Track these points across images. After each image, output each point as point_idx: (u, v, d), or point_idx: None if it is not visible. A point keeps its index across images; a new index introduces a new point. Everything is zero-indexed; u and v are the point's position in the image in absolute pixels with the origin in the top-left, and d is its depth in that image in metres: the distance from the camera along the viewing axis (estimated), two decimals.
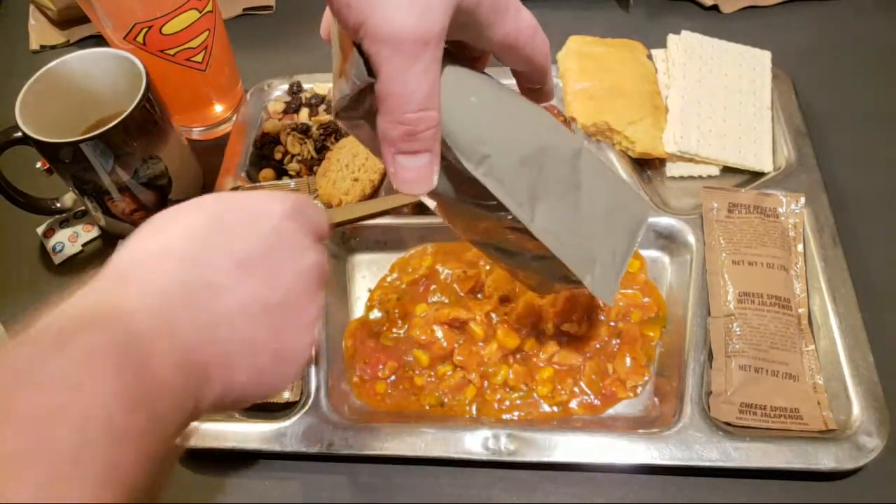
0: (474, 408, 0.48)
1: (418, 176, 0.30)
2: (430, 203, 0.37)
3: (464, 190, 0.34)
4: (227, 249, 0.29)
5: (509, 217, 0.34)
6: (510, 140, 0.33)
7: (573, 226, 0.37)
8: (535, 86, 0.37)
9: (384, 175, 0.59)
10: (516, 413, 0.48)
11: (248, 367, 0.29)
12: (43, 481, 0.20)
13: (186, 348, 0.27)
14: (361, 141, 0.35)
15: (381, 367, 0.50)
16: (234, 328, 0.29)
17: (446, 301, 0.53)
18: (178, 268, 0.28)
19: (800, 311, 0.49)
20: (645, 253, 0.54)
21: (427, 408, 0.49)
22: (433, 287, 0.53)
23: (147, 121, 0.52)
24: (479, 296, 0.53)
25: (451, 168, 0.32)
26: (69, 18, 0.76)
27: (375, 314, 0.53)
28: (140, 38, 0.55)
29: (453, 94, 0.30)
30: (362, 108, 0.31)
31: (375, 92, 0.28)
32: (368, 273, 0.56)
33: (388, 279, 0.55)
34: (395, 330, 0.52)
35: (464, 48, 0.34)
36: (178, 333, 0.27)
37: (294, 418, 0.47)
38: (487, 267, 0.54)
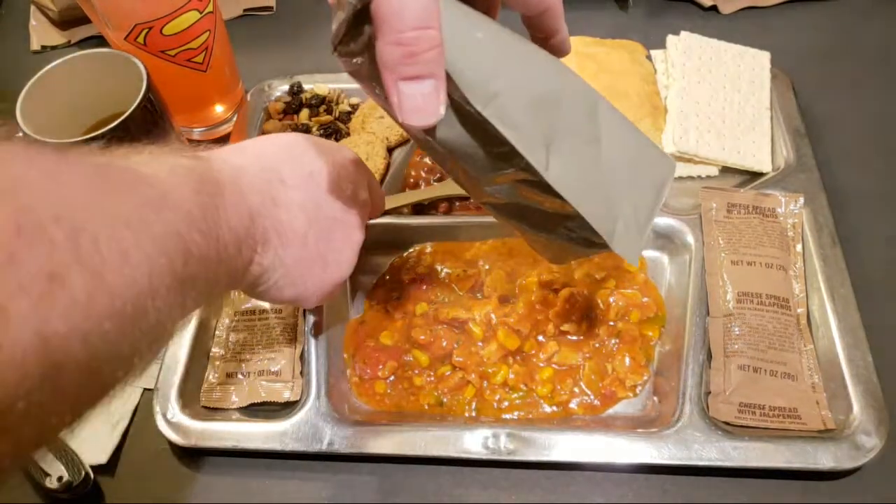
0: (473, 406, 0.49)
1: (424, 104, 0.27)
2: (440, 152, 0.34)
3: (474, 135, 0.31)
4: (302, 161, 0.38)
5: (522, 166, 0.31)
6: (521, 80, 0.30)
7: (592, 179, 0.34)
8: (549, 34, 0.35)
9: (384, 174, 0.60)
10: (516, 413, 0.48)
11: (296, 256, 0.37)
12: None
13: (251, 209, 0.33)
14: (363, 86, 0.31)
15: (380, 367, 0.50)
16: (292, 215, 0.36)
17: (446, 301, 0.53)
18: (257, 162, 0.36)
19: (798, 310, 0.49)
20: (644, 253, 0.54)
21: (426, 407, 0.49)
22: (432, 286, 0.54)
23: (148, 121, 0.52)
24: (478, 295, 0.53)
25: (458, 110, 0.30)
26: (70, 19, 0.76)
27: (375, 313, 0.53)
28: (141, 39, 0.55)
29: (457, 28, 0.28)
30: (361, 39, 0.28)
31: (371, 12, 0.26)
32: (368, 272, 0.56)
33: (388, 278, 0.55)
34: (394, 328, 0.52)
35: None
36: (247, 196, 0.33)
37: (294, 418, 0.47)
38: (487, 267, 0.54)
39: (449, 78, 0.28)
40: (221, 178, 0.32)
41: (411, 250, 0.56)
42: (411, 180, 0.59)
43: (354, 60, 0.30)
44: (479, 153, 0.32)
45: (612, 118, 0.35)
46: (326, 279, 0.40)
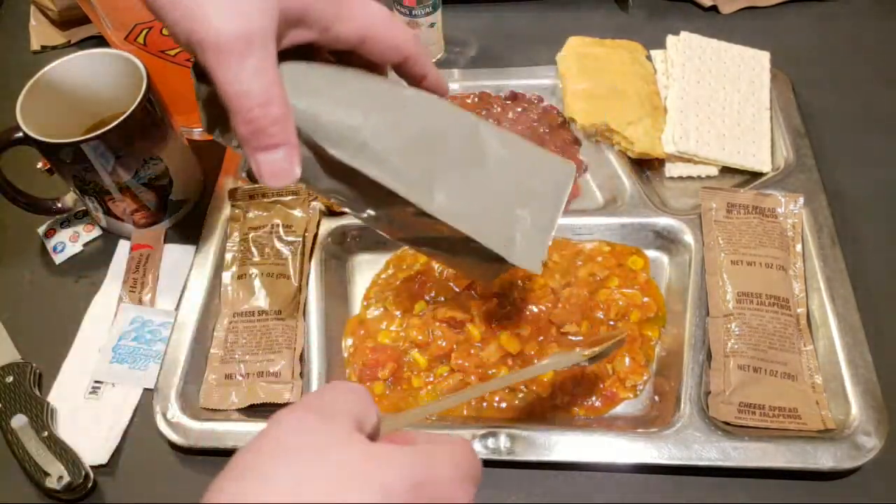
0: (473, 405, 0.49)
1: (279, 169, 0.31)
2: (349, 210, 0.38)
3: (358, 183, 0.33)
4: None
5: (411, 202, 0.33)
6: (392, 125, 0.33)
7: (482, 201, 0.36)
8: (418, 79, 0.37)
9: None
10: (517, 414, 0.48)
11: None
12: None
13: None
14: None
15: (379, 368, 0.50)
16: None
17: (443, 300, 0.53)
18: None
19: (798, 310, 0.49)
20: (645, 253, 0.54)
21: None
22: (429, 284, 0.53)
23: (148, 121, 0.52)
24: (473, 294, 0.53)
25: (335, 164, 0.32)
26: (70, 19, 0.76)
27: (373, 312, 0.53)
28: (141, 39, 0.55)
29: (316, 88, 0.31)
30: (226, 120, 0.31)
31: (221, 99, 0.29)
32: (368, 273, 0.56)
33: (384, 276, 0.55)
34: (392, 328, 0.52)
35: (356, 56, 0.35)
36: None
37: None
38: None
39: (311, 139, 0.31)
40: None
41: (408, 247, 0.56)
42: None
43: (233, 142, 0.33)
44: (370, 197, 0.34)
45: (496, 138, 0.36)
46: None
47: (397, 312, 0.53)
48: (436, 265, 0.55)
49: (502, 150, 0.36)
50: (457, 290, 0.53)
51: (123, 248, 0.58)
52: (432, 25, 0.66)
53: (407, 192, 0.33)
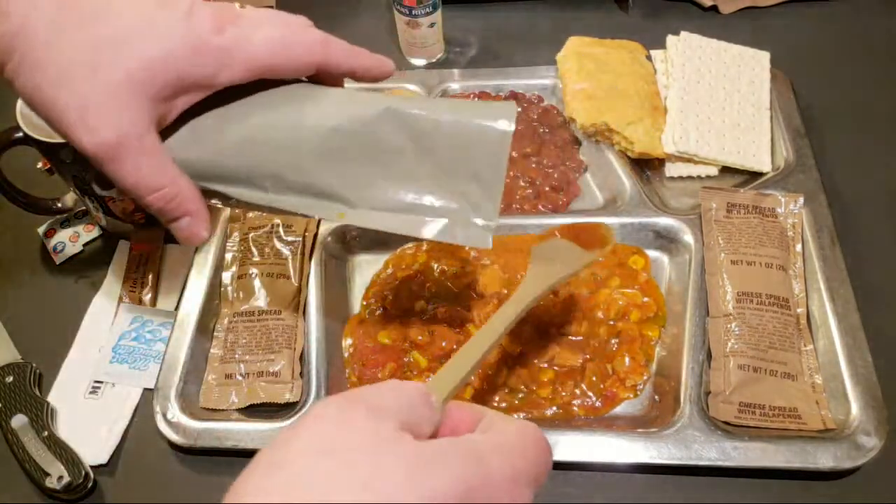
0: None
1: (188, 234, 0.34)
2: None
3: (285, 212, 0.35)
4: None
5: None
6: (295, 152, 0.32)
7: (413, 191, 0.34)
8: (347, 76, 0.35)
9: None
10: (517, 415, 0.48)
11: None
12: None
13: None
14: None
15: (378, 368, 0.50)
16: None
17: (443, 300, 0.53)
18: None
19: (798, 310, 0.49)
20: (645, 252, 0.54)
21: None
22: (428, 284, 0.53)
23: None
24: (473, 294, 0.53)
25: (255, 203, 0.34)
26: None
27: (373, 312, 0.53)
28: None
29: (209, 138, 0.32)
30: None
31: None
32: (368, 272, 0.56)
33: (383, 275, 0.55)
34: (392, 327, 0.52)
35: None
36: None
37: (294, 418, 0.47)
38: (487, 262, 0.54)
39: (221, 193, 0.33)
40: None
41: (406, 247, 0.56)
42: None
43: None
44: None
45: (410, 120, 0.33)
46: None
47: (397, 312, 0.53)
48: (434, 264, 0.55)
49: (422, 133, 0.33)
50: (456, 290, 0.53)
51: (123, 248, 0.58)
52: (432, 25, 0.66)
53: (323, 214, 0.34)
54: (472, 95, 0.65)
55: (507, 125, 0.33)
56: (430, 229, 0.34)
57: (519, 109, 0.59)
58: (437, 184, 0.34)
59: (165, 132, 0.32)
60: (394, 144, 0.33)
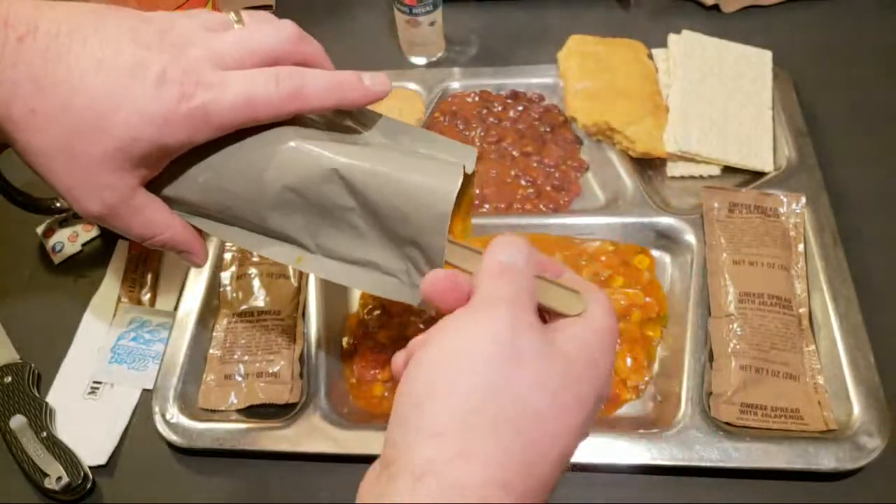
0: None
1: (189, 263, 0.37)
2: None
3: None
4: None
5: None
6: (253, 201, 0.34)
7: (361, 247, 0.34)
8: (338, 109, 0.35)
9: None
10: None
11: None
12: None
13: None
14: None
15: (378, 370, 0.50)
16: None
17: None
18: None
19: (800, 311, 0.49)
20: (651, 252, 0.54)
21: None
22: None
23: None
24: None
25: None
26: None
27: (371, 311, 0.53)
28: None
29: (189, 186, 0.34)
30: None
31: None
32: None
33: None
34: (391, 327, 0.52)
35: None
36: None
37: (294, 418, 0.47)
38: None
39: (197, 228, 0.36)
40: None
41: None
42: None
43: None
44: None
45: (360, 180, 0.32)
46: None
47: (396, 312, 0.53)
48: None
49: (370, 189, 0.32)
50: None
51: (122, 248, 0.58)
52: (433, 24, 0.66)
53: (274, 256, 0.36)
54: (472, 94, 0.64)
55: (453, 184, 0.31)
56: (380, 287, 0.35)
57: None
58: (383, 243, 0.34)
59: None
60: (341, 203, 0.33)
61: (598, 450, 0.44)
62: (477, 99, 0.64)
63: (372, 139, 0.35)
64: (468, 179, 0.34)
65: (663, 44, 0.64)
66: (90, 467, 0.47)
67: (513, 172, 0.60)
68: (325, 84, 0.32)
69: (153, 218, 0.34)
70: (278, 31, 0.33)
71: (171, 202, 0.35)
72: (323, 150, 0.33)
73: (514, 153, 0.61)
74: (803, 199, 0.52)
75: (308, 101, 0.32)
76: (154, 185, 0.34)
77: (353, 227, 0.34)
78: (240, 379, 0.49)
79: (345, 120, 0.36)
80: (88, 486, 0.46)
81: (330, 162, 0.32)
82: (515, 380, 0.25)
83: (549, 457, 0.26)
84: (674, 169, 0.58)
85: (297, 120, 0.34)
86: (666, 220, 0.53)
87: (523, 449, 0.25)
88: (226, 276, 0.54)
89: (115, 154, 0.30)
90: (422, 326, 0.51)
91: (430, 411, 0.25)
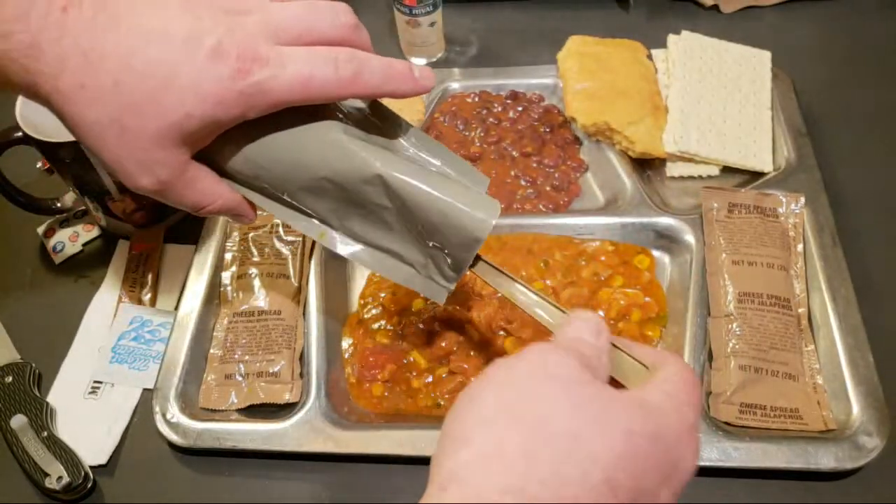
0: None
1: (246, 221, 0.38)
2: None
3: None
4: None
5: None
6: (289, 181, 0.35)
7: (388, 238, 0.37)
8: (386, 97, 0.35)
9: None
10: None
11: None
12: None
13: None
14: None
15: (378, 370, 0.50)
16: None
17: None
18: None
19: (800, 311, 0.49)
20: (651, 252, 0.54)
21: (423, 409, 0.49)
22: None
23: None
24: (472, 294, 0.53)
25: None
26: None
27: (371, 311, 0.53)
28: None
29: (233, 157, 0.34)
30: None
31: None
32: (368, 272, 0.56)
33: (378, 275, 0.55)
34: (390, 327, 0.52)
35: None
36: None
37: (294, 418, 0.47)
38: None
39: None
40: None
41: None
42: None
43: None
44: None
45: (400, 188, 0.34)
46: None
47: (396, 311, 0.53)
48: None
49: (408, 198, 0.34)
50: (455, 290, 0.53)
51: (123, 247, 0.58)
52: (433, 24, 0.66)
53: (297, 226, 0.37)
54: (472, 95, 0.64)
55: (489, 218, 0.34)
56: (396, 273, 0.38)
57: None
58: (408, 238, 0.36)
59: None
60: (377, 202, 0.35)
61: None
62: (477, 99, 0.64)
63: (404, 147, 0.37)
64: None
65: (663, 44, 0.64)
66: (91, 467, 0.47)
67: (512, 173, 0.60)
68: (381, 72, 0.32)
69: (204, 188, 0.34)
70: (337, 15, 0.32)
71: (212, 167, 0.34)
72: (369, 154, 0.34)
73: (514, 153, 0.61)
74: (802, 200, 0.52)
75: (364, 86, 0.32)
76: (200, 154, 0.33)
77: (383, 221, 0.36)
78: (240, 379, 0.49)
79: (376, 117, 0.37)
80: (89, 485, 0.46)
81: (376, 168, 0.33)
82: (549, 394, 0.25)
83: (587, 478, 0.24)
84: (673, 169, 0.58)
85: (337, 105, 0.35)
86: (665, 221, 0.53)
87: (552, 461, 0.24)
88: (226, 276, 0.54)
89: (168, 131, 0.30)
90: (421, 326, 0.51)
91: (460, 420, 0.26)
